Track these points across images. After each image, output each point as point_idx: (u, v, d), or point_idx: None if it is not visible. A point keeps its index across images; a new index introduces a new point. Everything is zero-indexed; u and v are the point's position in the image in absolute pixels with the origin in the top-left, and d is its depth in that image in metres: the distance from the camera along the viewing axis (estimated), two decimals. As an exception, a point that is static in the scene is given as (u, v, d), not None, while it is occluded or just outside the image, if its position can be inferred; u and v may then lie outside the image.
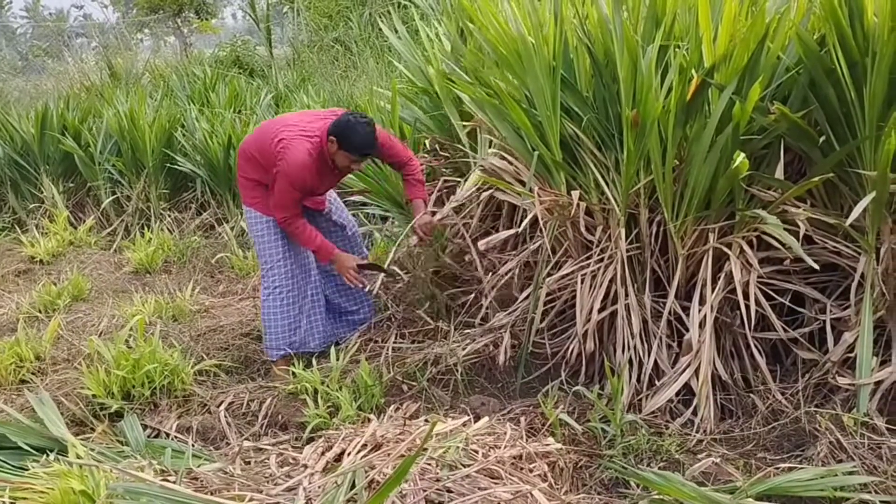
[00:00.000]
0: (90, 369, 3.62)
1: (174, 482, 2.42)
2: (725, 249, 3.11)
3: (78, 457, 2.66)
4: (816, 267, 2.86)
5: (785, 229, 2.85)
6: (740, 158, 2.76)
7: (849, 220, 2.77)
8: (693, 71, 2.96)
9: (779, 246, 2.95)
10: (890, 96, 2.75)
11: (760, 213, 2.94)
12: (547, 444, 2.71)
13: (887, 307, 2.96)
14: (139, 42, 17.45)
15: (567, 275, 3.49)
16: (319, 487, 2.32)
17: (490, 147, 3.92)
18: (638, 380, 3.24)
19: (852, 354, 2.95)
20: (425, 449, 2.46)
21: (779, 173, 3.00)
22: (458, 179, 4.21)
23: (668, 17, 3.12)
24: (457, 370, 3.59)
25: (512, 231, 3.72)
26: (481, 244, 3.70)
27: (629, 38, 3.01)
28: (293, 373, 3.62)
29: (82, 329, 4.71)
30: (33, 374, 4.01)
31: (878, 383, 2.89)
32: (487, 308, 3.87)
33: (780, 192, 2.99)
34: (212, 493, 2.37)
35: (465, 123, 4.18)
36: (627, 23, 3.12)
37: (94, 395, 3.50)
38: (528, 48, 3.30)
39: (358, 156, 3.70)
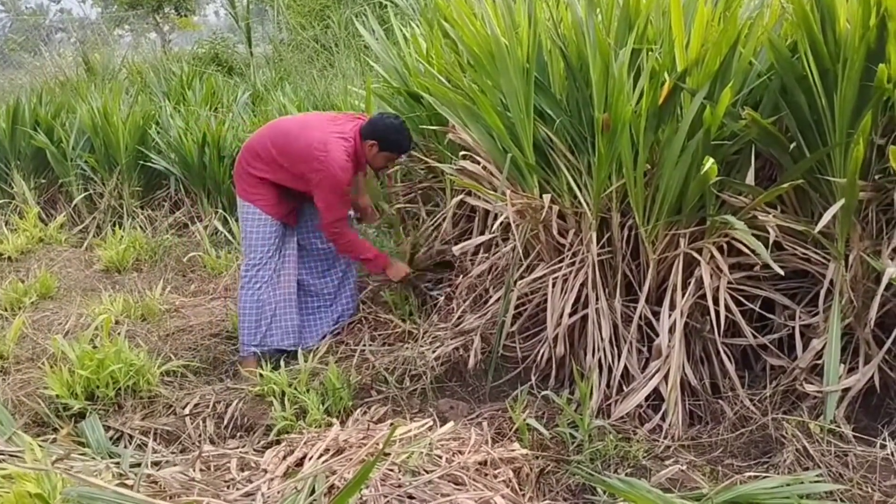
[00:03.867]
0: (53, 369, 3.55)
1: (132, 486, 2.37)
2: (696, 255, 3.10)
3: (35, 459, 2.60)
4: (782, 273, 2.85)
5: (755, 235, 2.83)
6: (709, 163, 2.75)
7: (818, 227, 2.76)
8: (665, 75, 2.95)
9: (749, 252, 2.94)
10: (860, 104, 2.74)
11: (730, 219, 2.93)
12: (512, 450, 2.67)
13: (855, 314, 2.96)
14: (118, 38, 17.27)
15: (538, 278, 3.46)
16: (278, 492, 2.28)
17: (462, 150, 3.89)
18: (607, 385, 3.22)
19: (820, 361, 2.94)
20: (388, 454, 2.42)
21: (749, 179, 2.99)
22: (433, 184, 4.19)
23: (641, 20, 3.10)
24: (426, 374, 3.56)
25: (486, 237, 3.69)
26: (456, 249, 3.67)
27: (602, 41, 2.99)
28: (260, 374, 3.57)
29: (48, 328, 4.62)
30: (-5, 373, 3.94)
31: (845, 391, 2.88)
32: (460, 311, 3.84)
33: (751, 197, 2.98)
34: (170, 498, 2.33)
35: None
36: (600, 26, 3.11)
37: (57, 396, 3.44)
38: (502, 49, 3.28)
39: (401, 155, 3.96)
